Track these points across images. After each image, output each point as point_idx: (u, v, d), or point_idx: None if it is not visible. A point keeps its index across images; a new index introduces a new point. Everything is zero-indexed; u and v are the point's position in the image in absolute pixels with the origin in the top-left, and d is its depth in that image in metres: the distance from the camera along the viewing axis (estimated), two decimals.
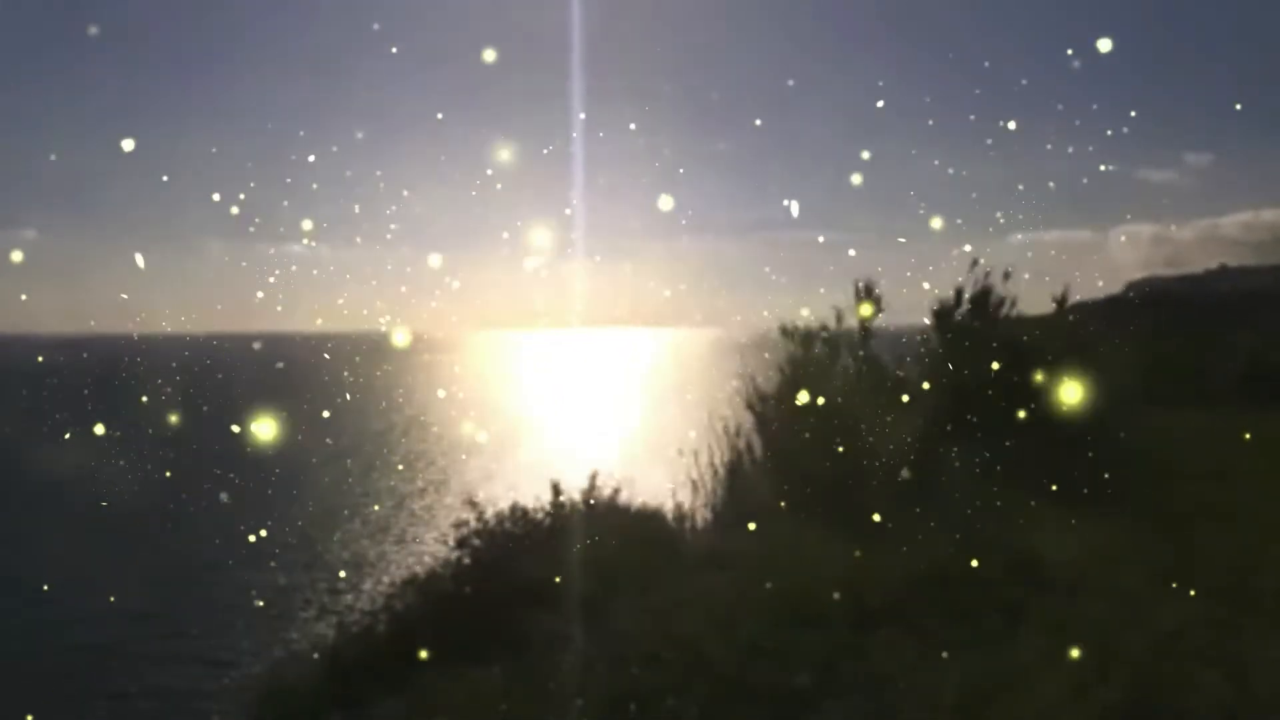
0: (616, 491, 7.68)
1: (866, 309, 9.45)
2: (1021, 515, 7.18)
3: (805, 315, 9.50)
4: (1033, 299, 10.79)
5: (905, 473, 7.84)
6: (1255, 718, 4.17)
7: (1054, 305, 10.74)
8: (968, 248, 10.63)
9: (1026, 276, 10.56)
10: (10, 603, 17.46)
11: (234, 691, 12.79)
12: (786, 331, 9.39)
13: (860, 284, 9.60)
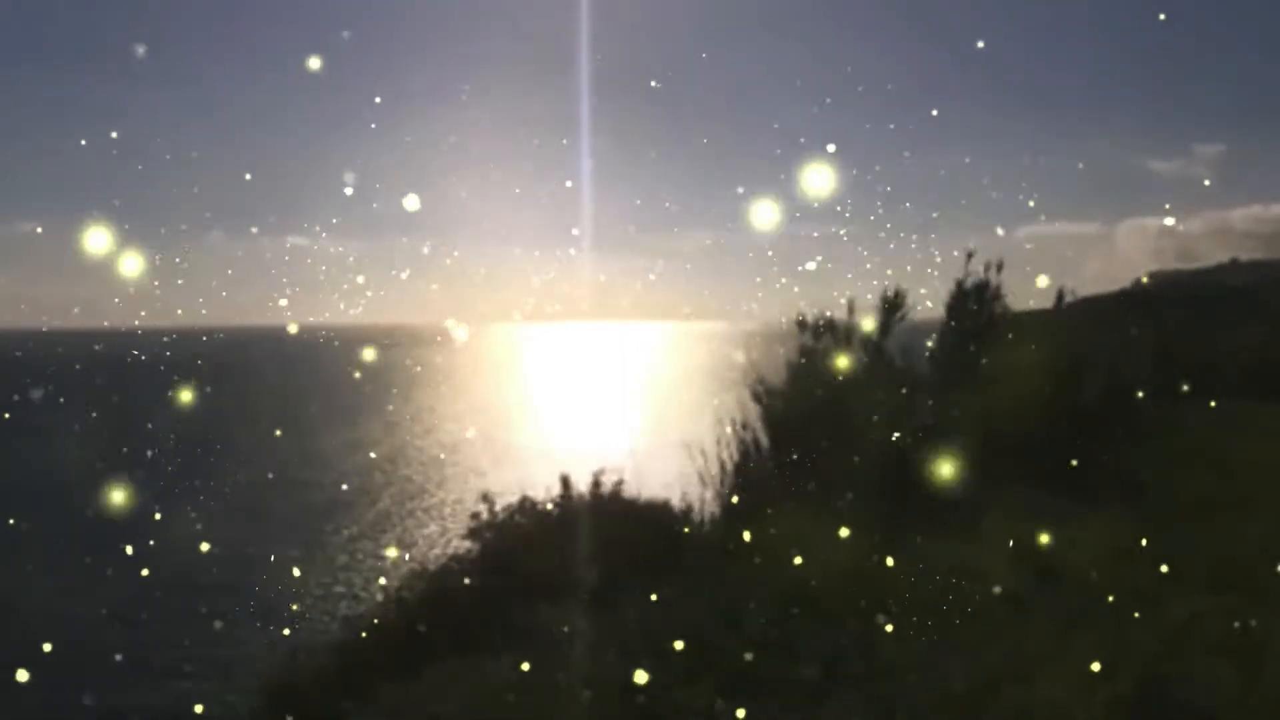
0: (623, 484, 7.69)
1: (888, 308, 9.42)
2: (1030, 508, 7.16)
3: (815, 309, 9.48)
4: (1042, 293, 10.78)
5: (915, 467, 7.83)
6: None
7: (1057, 300, 10.69)
8: (975, 242, 10.60)
9: (1030, 269, 10.56)
10: None
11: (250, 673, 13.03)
12: (799, 325, 9.38)
13: (887, 285, 9.54)
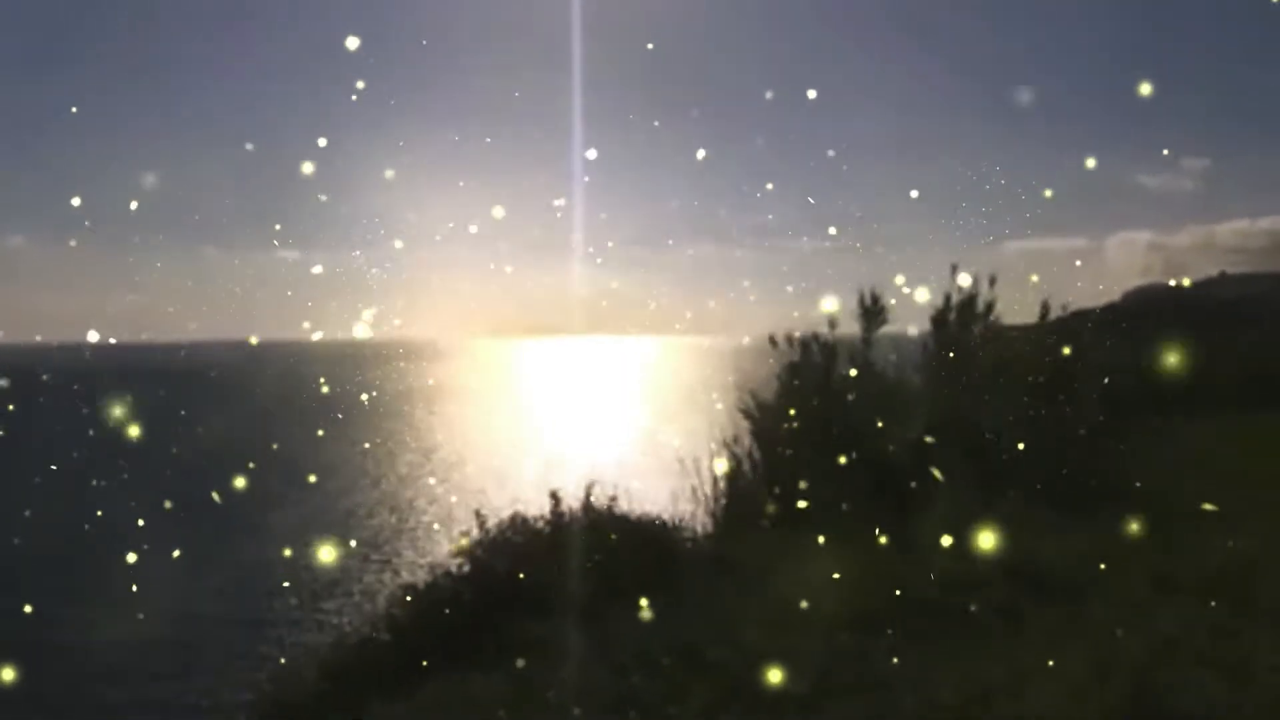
0: (616, 500, 7.68)
1: (868, 317, 9.42)
2: (1020, 522, 7.17)
3: (803, 323, 9.50)
4: (1030, 307, 10.77)
5: (905, 480, 7.84)
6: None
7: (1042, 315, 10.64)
8: (966, 256, 10.63)
9: (1020, 282, 10.59)
10: None
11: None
12: (781, 341, 9.40)
13: (866, 294, 9.54)
